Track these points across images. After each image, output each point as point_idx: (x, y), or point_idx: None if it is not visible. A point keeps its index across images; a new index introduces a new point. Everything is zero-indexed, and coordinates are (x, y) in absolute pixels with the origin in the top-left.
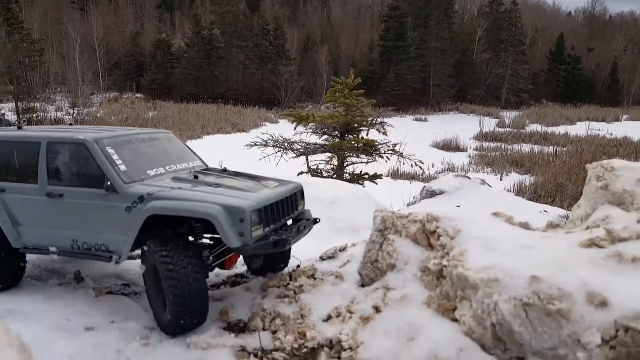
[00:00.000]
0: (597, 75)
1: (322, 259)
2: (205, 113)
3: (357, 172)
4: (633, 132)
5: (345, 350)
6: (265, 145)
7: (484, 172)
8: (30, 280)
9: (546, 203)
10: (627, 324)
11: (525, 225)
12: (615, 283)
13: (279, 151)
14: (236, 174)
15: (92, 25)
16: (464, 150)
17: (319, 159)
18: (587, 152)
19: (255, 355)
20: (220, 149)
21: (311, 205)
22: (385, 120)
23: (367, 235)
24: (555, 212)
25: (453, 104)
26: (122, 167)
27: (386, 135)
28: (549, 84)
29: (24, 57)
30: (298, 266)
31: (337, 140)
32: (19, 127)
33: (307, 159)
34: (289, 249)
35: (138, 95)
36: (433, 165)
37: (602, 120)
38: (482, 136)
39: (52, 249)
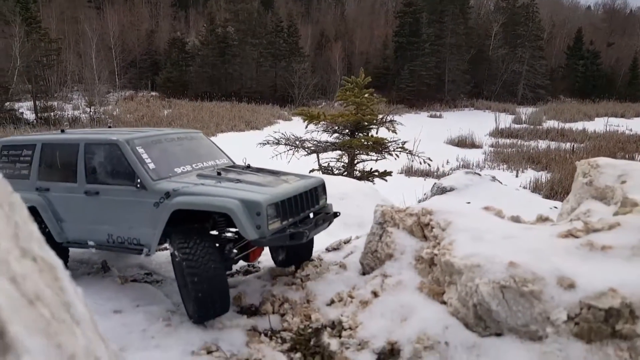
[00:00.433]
0: (617, 71)
1: (327, 250)
2: (220, 111)
3: (368, 169)
4: None
5: (345, 330)
6: (278, 143)
7: (499, 169)
8: None
9: (562, 200)
10: (590, 302)
11: (516, 219)
12: (583, 268)
13: (290, 149)
14: (258, 170)
15: (108, 24)
16: (479, 147)
17: (329, 157)
18: (605, 148)
19: (266, 335)
20: (234, 146)
21: None
22: (399, 117)
23: None
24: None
25: (468, 101)
26: (151, 166)
27: (395, 133)
28: (566, 79)
29: (41, 56)
30: None
31: (347, 138)
32: (62, 131)
33: (318, 156)
34: (312, 241)
35: (153, 93)
36: (448, 162)
37: (622, 116)
38: (497, 133)
39: (91, 243)
